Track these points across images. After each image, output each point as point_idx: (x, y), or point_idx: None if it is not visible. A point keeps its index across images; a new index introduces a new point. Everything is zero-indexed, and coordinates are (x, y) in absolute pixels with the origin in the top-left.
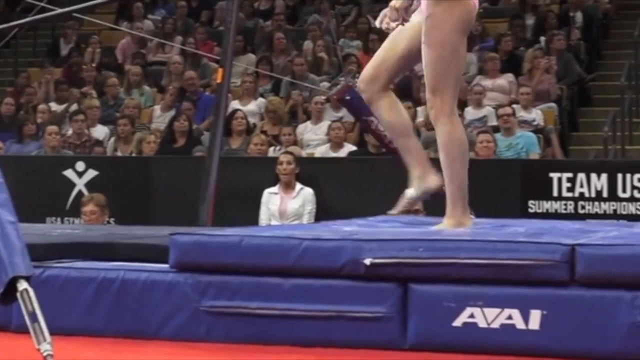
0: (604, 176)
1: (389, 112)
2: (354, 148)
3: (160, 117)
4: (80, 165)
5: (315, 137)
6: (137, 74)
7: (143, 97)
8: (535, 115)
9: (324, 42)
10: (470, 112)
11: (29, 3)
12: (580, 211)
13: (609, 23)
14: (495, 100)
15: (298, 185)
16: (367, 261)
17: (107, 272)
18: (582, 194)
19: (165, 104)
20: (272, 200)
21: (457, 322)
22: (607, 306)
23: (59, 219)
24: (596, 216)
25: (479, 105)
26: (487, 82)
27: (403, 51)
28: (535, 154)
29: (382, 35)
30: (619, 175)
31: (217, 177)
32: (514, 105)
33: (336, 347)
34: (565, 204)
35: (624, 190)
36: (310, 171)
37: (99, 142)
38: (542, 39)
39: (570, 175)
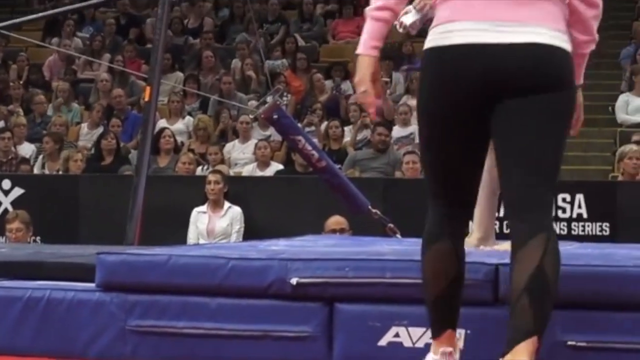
0: None
1: None
2: (280, 167)
3: (87, 135)
4: (6, 184)
5: (242, 156)
6: (65, 91)
7: (71, 114)
8: None
9: (252, 60)
10: (397, 131)
11: None
12: (505, 230)
13: None
14: None
15: (226, 204)
16: (294, 281)
17: (33, 291)
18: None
19: (92, 121)
20: (200, 219)
21: (383, 342)
22: None
23: None
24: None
25: (405, 124)
26: (414, 102)
27: None
28: None
29: (309, 54)
30: None
31: (144, 196)
32: None
33: None
34: None
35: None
36: (238, 190)
37: (25, 160)
38: None
39: None
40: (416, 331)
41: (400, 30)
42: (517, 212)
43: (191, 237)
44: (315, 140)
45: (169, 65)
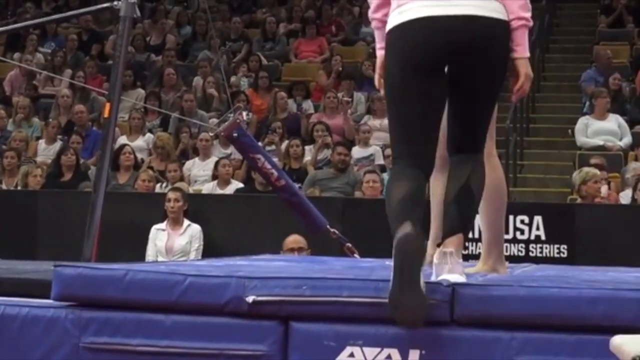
0: None
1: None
2: (240, 185)
3: (45, 150)
4: None
5: (202, 174)
6: (25, 106)
7: (31, 129)
8: None
9: (214, 78)
10: (357, 151)
11: None
12: (464, 252)
13: None
14: (382, 140)
15: (186, 222)
16: (250, 299)
17: None
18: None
19: (48, 137)
20: (159, 237)
21: None
22: (485, 346)
23: None
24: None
25: (366, 144)
26: (375, 122)
27: None
28: None
29: (272, 73)
30: None
31: (103, 213)
32: None
33: None
34: None
35: (507, 232)
36: (198, 208)
37: None
38: None
39: None
40: (371, 351)
41: None
42: (456, 150)
43: (150, 254)
44: (275, 159)
45: (131, 82)
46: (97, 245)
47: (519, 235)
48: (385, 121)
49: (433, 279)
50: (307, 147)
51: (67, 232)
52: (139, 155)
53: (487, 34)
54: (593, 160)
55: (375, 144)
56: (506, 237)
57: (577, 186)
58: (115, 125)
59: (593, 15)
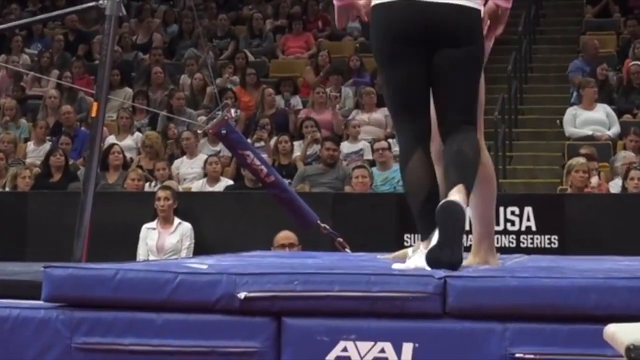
0: None
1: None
2: (230, 182)
3: (34, 152)
4: None
5: (191, 172)
6: (12, 107)
7: (19, 131)
8: None
9: (202, 76)
10: (347, 146)
11: None
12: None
13: None
14: (371, 134)
15: (176, 220)
16: (242, 295)
17: None
18: None
19: (37, 138)
20: (150, 236)
21: (330, 356)
22: (478, 338)
23: None
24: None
25: (355, 139)
26: (364, 116)
27: None
28: None
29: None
30: None
31: (92, 213)
32: (390, 140)
33: None
34: None
35: (498, 223)
36: (188, 206)
37: None
38: None
39: None
40: (364, 345)
41: None
42: (447, 135)
43: (141, 253)
44: (264, 155)
45: (118, 81)
46: (87, 245)
47: (509, 227)
48: (374, 115)
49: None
50: (295, 143)
51: (57, 233)
52: (128, 155)
53: (463, 23)
54: (583, 150)
55: (364, 139)
56: (497, 228)
57: (566, 176)
58: (104, 125)
59: (579, 6)
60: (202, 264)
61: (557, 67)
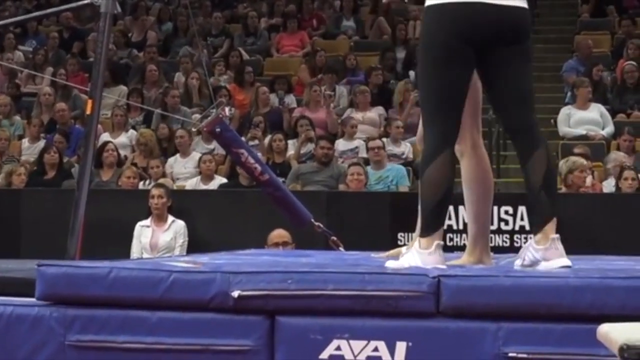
0: None
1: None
2: (224, 180)
3: (29, 149)
4: None
5: (184, 170)
6: (6, 104)
7: (13, 128)
8: (405, 148)
9: (197, 74)
10: (342, 144)
11: None
12: (449, 243)
13: None
14: (366, 133)
15: (170, 218)
16: (235, 294)
17: None
18: (450, 226)
19: (31, 135)
20: (143, 233)
21: (324, 355)
22: (471, 337)
23: None
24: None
25: (350, 137)
26: (358, 115)
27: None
28: (405, 186)
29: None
30: None
31: (86, 210)
32: (384, 139)
33: None
34: None
35: (492, 222)
36: (182, 204)
37: None
38: (412, 72)
39: None
40: (358, 344)
41: None
42: (517, 134)
43: (134, 251)
44: (259, 153)
45: (113, 78)
46: (81, 242)
47: (503, 226)
48: (368, 114)
49: (543, 264)
50: (290, 142)
51: (51, 230)
52: (122, 152)
53: (524, 23)
54: (577, 150)
55: (358, 137)
56: (491, 228)
57: (563, 175)
58: (98, 123)
59: (574, 5)
60: (196, 262)
61: (551, 67)
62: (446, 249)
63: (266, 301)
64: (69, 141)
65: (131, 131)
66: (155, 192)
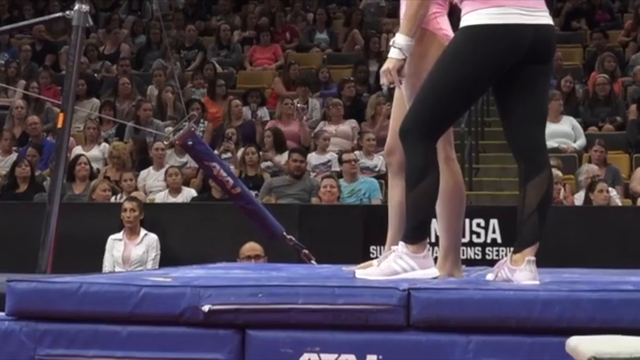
0: None
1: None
2: (193, 192)
3: (0, 162)
4: None
5: (157, 184)
6: None
7: None
8: (378, 161)
9: (172, 88)
10: (315, 157)
11: None
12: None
13: None
14: (338, 146)
15: (142, 232)
16: (206, 308)
17: None
18: None
19: (3, 148)
20: (116, 247)
21: None
22: (442, 350)
23: None
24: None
25: (323, 150)
26: (331, 128)
27: None
28: (377, 199)
29: (226, 80)
30: None
31: (58, 224)
32: (356, 152)
33: None
34: None
35: (463, 235)
36: (154, 217)
37: None
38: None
39: None
40: (328, 357)
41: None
42: (528, 153)
43: (107, 264)
44: (231, 166)
45: (85, 91)
46: (52, 256)
47: (475, 239)
48: (341, 126)
49: (515, 282)
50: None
51: (22, 243)
52: (95, 165)
53: (554, 41)
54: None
55: (332, 151)
56: (462, 240)
57: None
58: (70, 136)
59: None
60: (167, 276)
61: None
62: None
63: (237, 315)
64: (41, 154)
65: (103, 144)
66: (127, 205)
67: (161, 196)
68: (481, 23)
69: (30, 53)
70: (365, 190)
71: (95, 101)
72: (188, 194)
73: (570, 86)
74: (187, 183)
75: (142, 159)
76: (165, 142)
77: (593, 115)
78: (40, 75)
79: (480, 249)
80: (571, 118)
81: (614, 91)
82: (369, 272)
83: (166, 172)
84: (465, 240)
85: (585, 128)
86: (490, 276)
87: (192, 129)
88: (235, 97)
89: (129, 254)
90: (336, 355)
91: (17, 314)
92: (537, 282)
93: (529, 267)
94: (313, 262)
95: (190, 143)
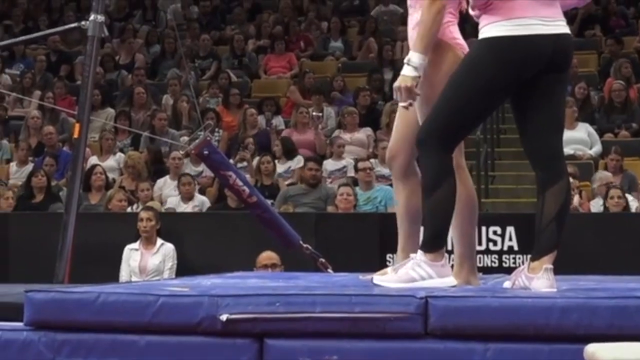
0: None
1: (410, 197)
2: (205, 199)
3: (16, 173)
4: None
5: (174, 193)
6: None
7: (1, 151)
8: None
9: (187, 98)
10: (330, 164)
11: None
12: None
13: None
14: (353, 154)
15: (159, 241)
16: (224, 317)
17: None
18: None
19: (19, 159)
20: (132, 257)
21: None
22: (460, 358)
23: None
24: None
25: (339, 157)
26: (346, 136)
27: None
28: (393, 207)
29: (241, 89)
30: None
31: (75, 234)
32: (372, 160)
33: None
34: None
35: (480, 243)
36: (171, 227)
37: None
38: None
39: None
40: None
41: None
42: (547, 161)
43: (123, 274)
44: (247, 175)
45: (100, 101)
46: (69, 266)
47: (491, 246)
48: (356, 134)
49: (532, 290)
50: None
51: (39, 254)
52: (110, 175)
53: (572, 50)
54: None
55: (348, 157)
56: (479, 248)
57: None
58: (86, 146)
59: None
60: (184, 286)
61: None
62: None
63: (254, 324)
64: (57, 164)
65: (119, 154)
66: (144, 215)
67: (173, 201)
68: (503, 35)
69: (45, 63)
70: (381, 198)
71: (111, 111)
72: (200, 199)
73: (585, 93)
74: (203, 192)
75: (158, 169)
76: (182, 152)
77: (609, 121)
78: (56, 86)
79: (497, 256)
80: (587, 125)
81: (629, 97)
82: (386, 279)
83: (179, 180)
84: (482, 247)
85: (601, 135)
86: (507, 284)
87: (208, 138)
88: (250, 106)
89: (146, 263)
90: None
91: (36, 324)
92: (555, 290)
93: (547, 275)
94: (330, 270)
95: (206, 152)
